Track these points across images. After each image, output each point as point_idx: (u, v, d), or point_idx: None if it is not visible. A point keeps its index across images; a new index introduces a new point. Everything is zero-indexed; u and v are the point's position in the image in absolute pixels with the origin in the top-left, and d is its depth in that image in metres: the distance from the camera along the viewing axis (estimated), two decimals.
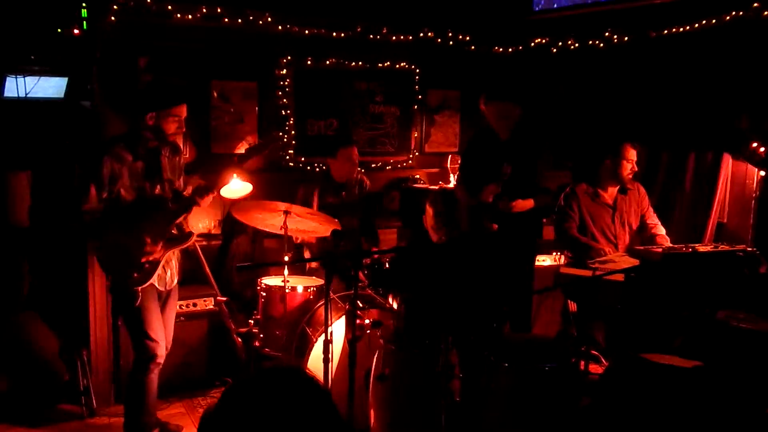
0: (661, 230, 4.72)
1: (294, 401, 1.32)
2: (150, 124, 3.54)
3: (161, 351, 3.67)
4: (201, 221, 4.94)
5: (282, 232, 4.11)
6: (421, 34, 5.64)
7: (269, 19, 5.02)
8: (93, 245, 3.67)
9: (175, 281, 3.80)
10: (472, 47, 5.88)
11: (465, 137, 6.07)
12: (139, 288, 3.54)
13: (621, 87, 5.40)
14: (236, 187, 3.99)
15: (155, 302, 3.66)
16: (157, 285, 3.64)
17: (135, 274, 3.53)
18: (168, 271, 3.71)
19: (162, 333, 3.69)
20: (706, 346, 3.57)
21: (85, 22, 4.30)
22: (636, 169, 4.65)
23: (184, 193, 3.77)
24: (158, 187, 3.63)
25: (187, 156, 4.55)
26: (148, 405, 3.73)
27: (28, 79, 4.41)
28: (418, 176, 5.98)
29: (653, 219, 4.77)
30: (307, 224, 4.21)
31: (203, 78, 5.02)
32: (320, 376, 3.23)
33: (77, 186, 4.09)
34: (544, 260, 5.26)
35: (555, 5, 5.60)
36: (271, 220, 4.21)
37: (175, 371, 4.32)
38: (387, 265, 3.77)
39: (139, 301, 3.55)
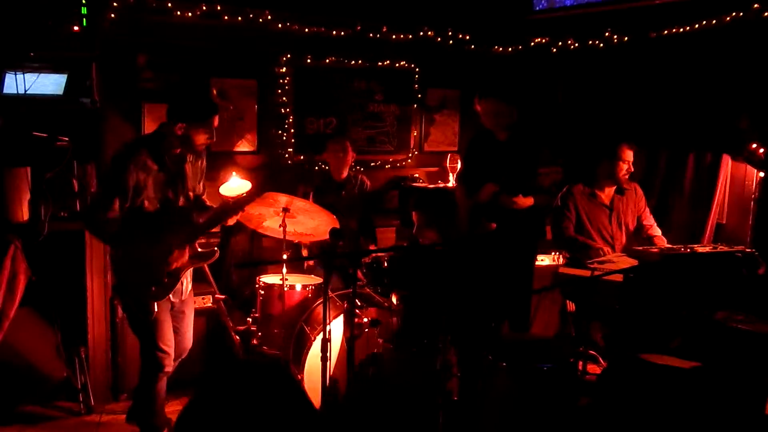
0: (657, 231, 4.73)
1: (265, 393, 1.31)
2: (179, 134, 3.38)
3: (170, 361, 3.62)
4: None
5: (280, 234, 4.10)
6: (421, 33, 5.64)
7: (269, 17, 5.02)
8: (112, 255, 3.58)
9: (189, 289, 3.75)
10: (472, 46, 5.88)
11: (464, 136, 6.07)
12: (156, 302, 3.47)
13: (621, 87, 5.40)
14: (235, 185, 3.99)
15: (167, 313, 3.59)
16: (172, 298, 3.57)
17: (153, 288, 3.45)
18: (184, 282, 3.64)
19: (172, 343, 3.62)
20: (705, 346, 3.57)
21: (84, 19, 4.29)
22: (632, 169, 4.65)
23: (203, 197, 3.73)
24: (182, 198, 3.53)
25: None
26: (158, 407, 3.72)
27: (27, 75, 4.39)
28: (417, 175, 5.98)
29: (650, 220, 4.77)
30: (306, 224, 4.20)
31: (202, 75, 5.01)
32: (318, 374, 3.23)
33: (97, 191, 4.02)
34: (542, 260, 5.26)
35: (556, 5, 5.59)
36: (269, 219, 4.20)
37: (173, 369, 4.31)
38: (385, 264, 3.77)
39: (155, 315, 3.47)
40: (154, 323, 3.50)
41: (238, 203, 3.61)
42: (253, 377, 1.35)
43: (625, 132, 5.05)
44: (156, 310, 3.46)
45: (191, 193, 3.60)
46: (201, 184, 3.74)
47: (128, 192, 3.29)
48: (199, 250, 3.64)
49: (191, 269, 3.68)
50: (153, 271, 3.43)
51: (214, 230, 5.05)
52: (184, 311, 3.73)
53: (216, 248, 3.72)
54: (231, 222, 3.63)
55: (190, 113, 3.36)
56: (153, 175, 3.36)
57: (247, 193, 3.67)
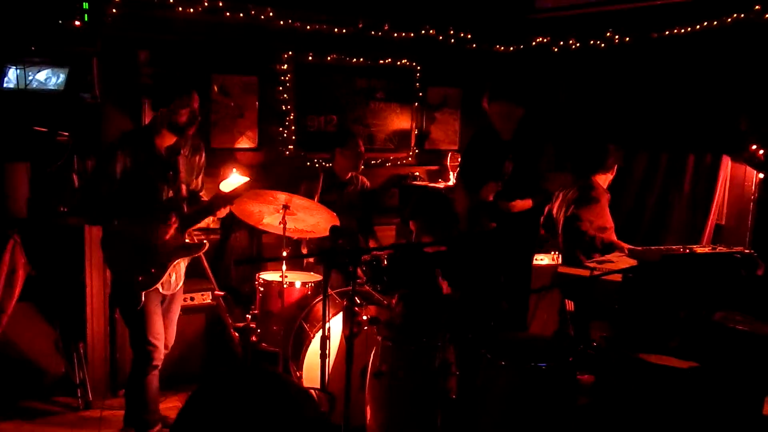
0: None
1: (257, 402, 1.28)
2: (162, 119, 3.48)
3: (159, 355, 3.65)
4: None
5: (280, 231, 4.09)
6: (423, 32, 5.64)
7: (270, 14, 5.02)
8: (102, 242, 3.62)
9: (180, 284, 3.76)
10: (473, 45, 5.88)
11: (465, 135, 6.07)
12: (144, 292, 3.50)
13: (621, 87, 5.40)
14: (234, 181, 3.98)
15: (158, 306, 3.62)
16: (161, 289, 3.59)
17: (140, 278, 3.48)
18: (173, 275, 3.66)
19: (162, 337, 3.65)
20: (703, 347, 3.57)
21: (86, 14, 4.29)
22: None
23: (200, 193, 3.75)
24: (173, 188, 3.57)
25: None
26: (149, 402, 3.72)
27: (29, 70, 4.39)
28: (417, 173, 5.98)
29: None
30: (306, 221, 4.20)
31: (204, 72, 5.01)
32: (317, 372, 3.24)
33: (91, 179, 4.08)
34: (542, 259, 5.26)
35: (558, 4, 5.59)
36: (268, 217, 4.20)
37: (172, 365, 4.31)
38: (385, 262, 3.77)
39: (142, 305, 3.50)
40: (144, 315, 3.53)
41: (228, 196, 3.67)
42: (252, 387, 1.32)
43: (625, 132, 5.05)
44: (143, 300, 3.49)
45: (184, 186, 3.64)
46: (199, 179, 3.78)
47: (116, 176, 3.40)
48: (187, 241, 3.65)
49: (180, 262, 3.69)
50: (140, 260, 3.48)
51: (213, 227, 5.07)
52: (170, 306, 3.75)
53: (205, 241, 3.75)
54: (220, 215, 3.71)
55: (165, 98, 3.50)
56: (142, 163, 3.46)
57: (239, 188, 3.75)
